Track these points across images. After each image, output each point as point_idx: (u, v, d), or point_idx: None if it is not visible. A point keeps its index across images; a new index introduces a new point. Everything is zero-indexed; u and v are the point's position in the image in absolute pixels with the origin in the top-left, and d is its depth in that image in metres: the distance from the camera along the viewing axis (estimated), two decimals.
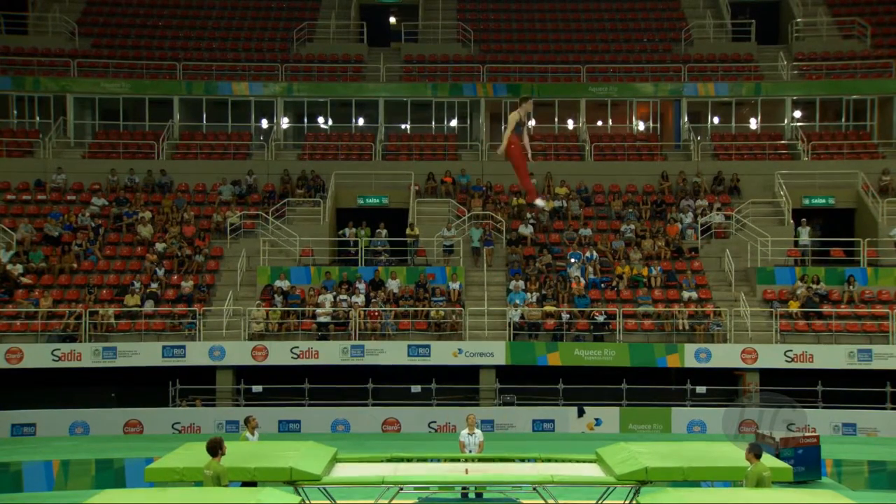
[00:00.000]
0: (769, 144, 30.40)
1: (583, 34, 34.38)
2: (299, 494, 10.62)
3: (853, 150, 29.94)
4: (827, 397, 21.96)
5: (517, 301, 23.87)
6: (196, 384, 22.55)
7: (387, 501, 10.84)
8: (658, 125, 32.24)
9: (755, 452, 10.29)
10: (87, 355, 22.41)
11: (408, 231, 26.53)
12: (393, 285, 24.70)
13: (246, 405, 22.13)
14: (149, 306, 23.77)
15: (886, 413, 21.78)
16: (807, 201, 28.09)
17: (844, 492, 14.81)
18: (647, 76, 31.94)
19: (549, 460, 12.56)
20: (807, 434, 16.72)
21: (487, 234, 26.62)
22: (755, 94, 31.14)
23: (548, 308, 23.74)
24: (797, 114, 31.41)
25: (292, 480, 10.63)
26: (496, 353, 22.80)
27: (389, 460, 12.56)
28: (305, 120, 32.45)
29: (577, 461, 12.54)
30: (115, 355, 22.44)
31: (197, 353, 22.70)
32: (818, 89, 31.06)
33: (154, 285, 24.51)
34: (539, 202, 13.13)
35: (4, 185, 28.39)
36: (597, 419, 21.97)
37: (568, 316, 23.57)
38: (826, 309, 23.66)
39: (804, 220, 26.59)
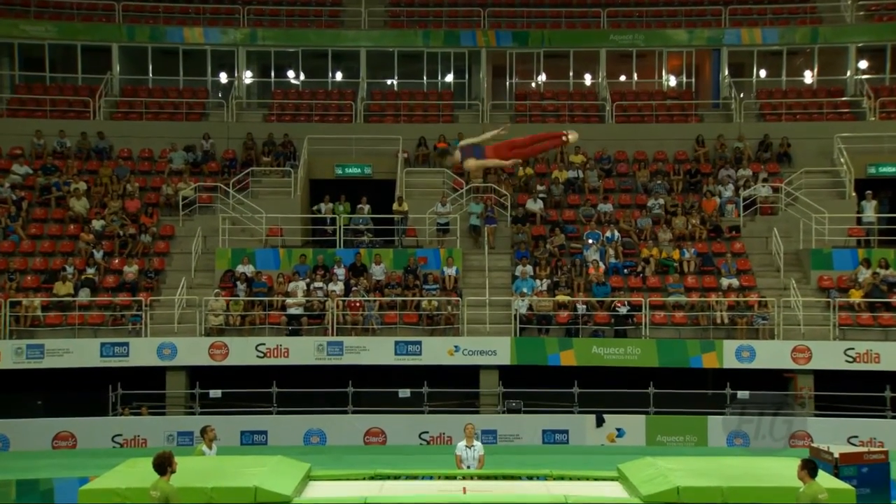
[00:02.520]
0: (827, 102, 30.34)
1: None
2: None
3: None
4: None
5: (524, 290, 23.86)
6: (141, 388, 22.48)
7: None
8: (693, 80, 32.16)
9: (809, 470, 10.26)
10: (7, 354, 22.29)
11: (394, 207, 26.47)
12: (377, 271, 24.66)
13: (202, 413, 22.11)
14: (84, 295, 23.69)
15: None
16: (873, 170, 28.06)
17: None
18: (680, 21, 31.84)
19: (562, 478, 12.60)
20: (873, 449, 16.71)
21: (489, 211, 26.57)
22: (811, 41, 31.05)
23: (560, 298, 23.73)
24: (862, 64, 31.33)
25: (257, 503, 10.61)
26: (499, 350, 22.80)
27: (373, 478, 12.58)
28: (272, 74, 32.32)
29: (596, 479, 12.56)
30: (42, 354, 22.35)
31: (143, 352, 22.64)
32: (889, 34, 30.93)
33: (91, 270, 24.43)
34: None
35: None
36: (619, 429, 22.00)
37: (584, 307, 23.56)
38: None
39: (869, 192, 26.52)
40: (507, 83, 31.84)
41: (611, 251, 25.24)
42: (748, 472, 11.48)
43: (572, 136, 11.39)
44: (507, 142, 11.21)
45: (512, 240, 26.17)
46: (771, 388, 22.60)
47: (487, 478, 12.93)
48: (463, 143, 11.19)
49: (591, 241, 25.47)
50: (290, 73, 32.56)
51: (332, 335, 23.05)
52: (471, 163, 11.03)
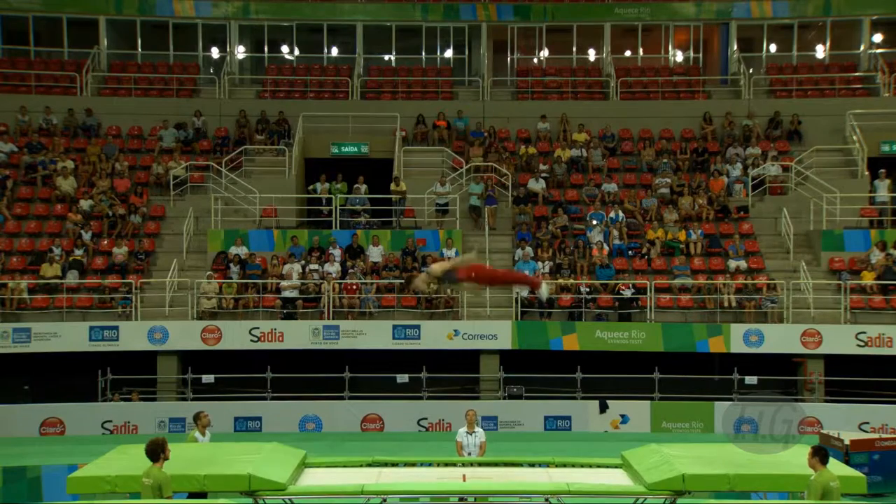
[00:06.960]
0: (840, 77, 30.28)
1: None
2: None
3: None
4: None
5: (526, 272, 23.85)
6: (132, 374, 22.54)
7: None
8: (700, 55, 32.05)
9: (821, 457, 10.27)
10: None
11: (392, 186, 26.46)
12: (374, 253, 24.67)
13: (194, 399, 22.14)
14: (72, 278, 23.70)
15: None
16: (886, 148, 28.01)
17: None
18: None
19: (564, 465, 12.63)
20: (885, 436, 16.75)
21: (490, 191, 26.56)
22: (824, 13, 30.95)
23: (563, 281, 23.75)
24: (877, 38, 31.21)
25: (251, 491, 10.65)
26: (500, 335, 22.85)
27: (370, 465, 12.61)
28: (266, 49, 32.19)
29: (599, 466, 12.60)
30: (29, 338, 22.38)
31: (133, 336, 22.67)
32: None
33: (78, 252, 24.43)
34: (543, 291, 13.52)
35: None
36: (623, 416, 22.08)
37: (588, 290, 23.59)
38: None
39: (883, 171, 26.51)
40: (509, 58, 31.74)
41: (615, 232, 25.24)
42: (756, 459, 11.47)
43: (543, 292, 13.07)
44: (479, 267, 12.26)
45: (513, 221, 26.16)
46: (779, 373, 22.66)
47: (488, 465, 12.98)
48: (434, 267, 12.03)
49: (594, 221, 25.46)
50: (285, 48, 32.46)
51: (329, 319, 23.08)
52: (435, 267, 12.00)
